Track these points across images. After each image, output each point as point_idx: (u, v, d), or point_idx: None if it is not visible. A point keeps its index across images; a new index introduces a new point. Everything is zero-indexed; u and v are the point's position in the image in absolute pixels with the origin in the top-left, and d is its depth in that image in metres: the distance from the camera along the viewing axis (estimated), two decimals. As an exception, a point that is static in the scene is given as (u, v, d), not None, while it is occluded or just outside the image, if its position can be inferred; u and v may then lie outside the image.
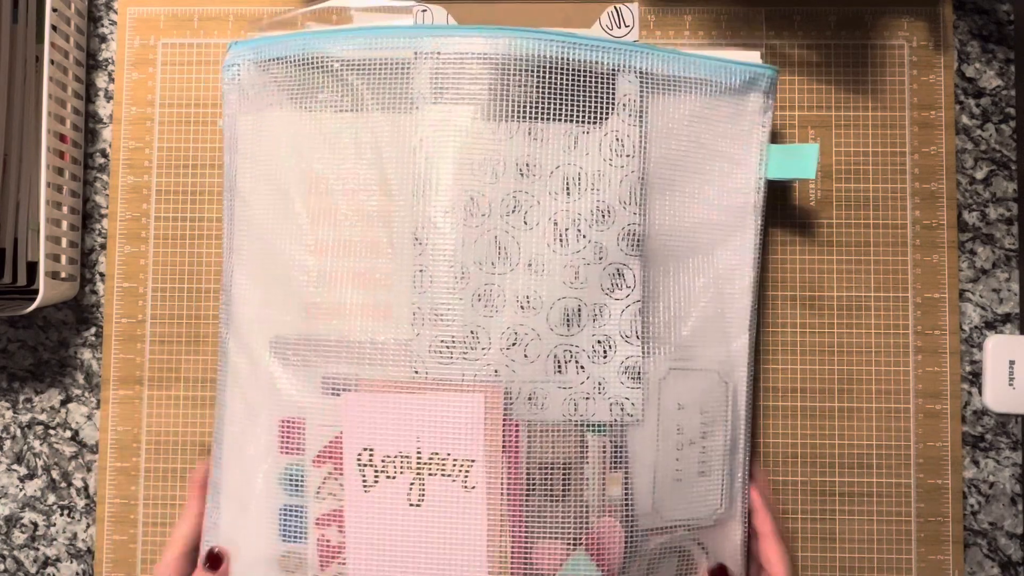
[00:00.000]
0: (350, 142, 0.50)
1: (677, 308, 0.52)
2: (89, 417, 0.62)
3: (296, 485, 0.49)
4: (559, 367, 0.48)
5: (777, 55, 0.62)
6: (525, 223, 0.48)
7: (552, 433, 0.48)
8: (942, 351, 0.60)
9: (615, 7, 0.56)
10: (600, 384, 0.49)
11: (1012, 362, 0.59)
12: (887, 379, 0.60)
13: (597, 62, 0.50)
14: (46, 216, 0.56)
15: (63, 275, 0.59)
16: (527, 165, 0.49)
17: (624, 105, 0.50)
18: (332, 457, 0.48)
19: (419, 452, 0.47)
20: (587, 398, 0.48)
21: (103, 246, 0.62)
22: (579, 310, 0.49)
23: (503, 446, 0.47)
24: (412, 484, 0.47)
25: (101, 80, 0.63)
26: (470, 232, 0.48)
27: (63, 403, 0.62)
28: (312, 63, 0.50)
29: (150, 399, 0.61)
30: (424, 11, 0.55)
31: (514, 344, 0.48)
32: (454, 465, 0.47)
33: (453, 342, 0.47)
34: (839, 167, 0.61)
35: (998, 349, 0.59)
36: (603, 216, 0.49)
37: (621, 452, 0.49)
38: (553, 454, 0.48)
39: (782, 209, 0.61)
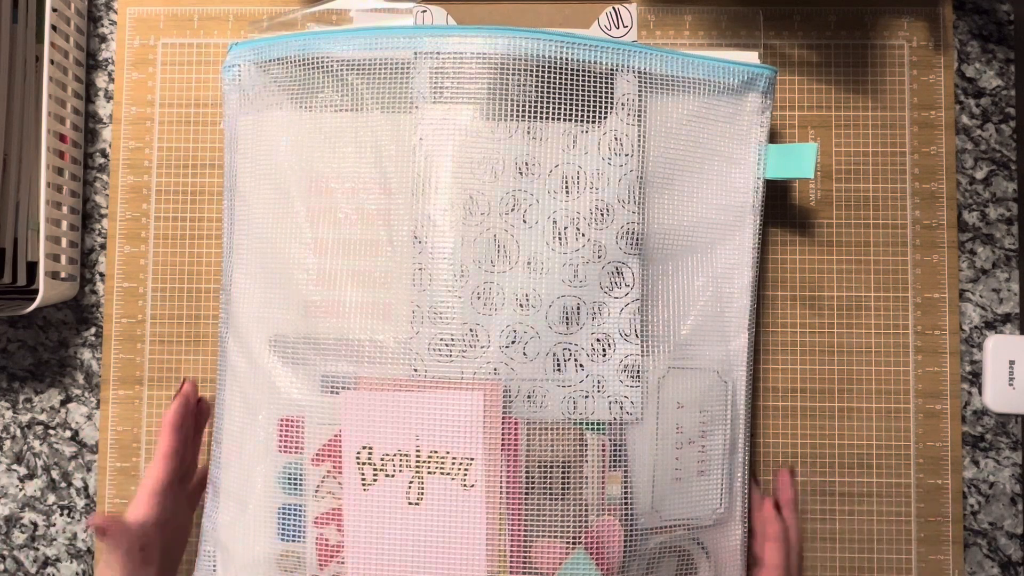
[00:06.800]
0: (350, 141, 0.50)
1: (676, 307, 0.52)
2: (89, 417, 0.62)
3: (295, 484, 0.49)
4: (558, 365, 0.48)
5: (777, 55, 0.62)
6: (524, 222, 0.48)
7: (551, 431, 0.48)
8: (942, 351, 0.60)
9: (613, 7, 0.56)
10: (599, 382, 0.49)
11: (1012, 362, 0.59)
12: (887, 379, 0.60)
13: (596, 62, 0.50)
14: (46, 216, 0.56)
15: (63, 275, 0.59)
16: (526, 164, 0.49)
17: (623, 104, 0.50)
18: (331, 456, 0.48)
19: (418, 450, 0.47)
20: (586, 396, 0.48)
21: (103, 246, 0.62)
22: (578, 308, 0.49)
23: (502, 444, 0.47)
24: (411, 482, 0.47)
25: (101, 80, 0.64)
26: (469, 231, 0.48)
27: (63, 403, 0.62)
28: (312, 63, 0.50)
29: (150, 399, 0.61)
30: (424, 11, 0.55)
31: (513, 342, 0.48)
32: (453, 463, 0.47)
33: (452, 340, 0.47)
34: (839, 167, 0.61)
35: (998, 349, 0.59)
36: (602, 215, 0.49)
37: (620, 451, 0.49)
38: (552, 453, 0.48)
39: (782, 209, 0.61)
